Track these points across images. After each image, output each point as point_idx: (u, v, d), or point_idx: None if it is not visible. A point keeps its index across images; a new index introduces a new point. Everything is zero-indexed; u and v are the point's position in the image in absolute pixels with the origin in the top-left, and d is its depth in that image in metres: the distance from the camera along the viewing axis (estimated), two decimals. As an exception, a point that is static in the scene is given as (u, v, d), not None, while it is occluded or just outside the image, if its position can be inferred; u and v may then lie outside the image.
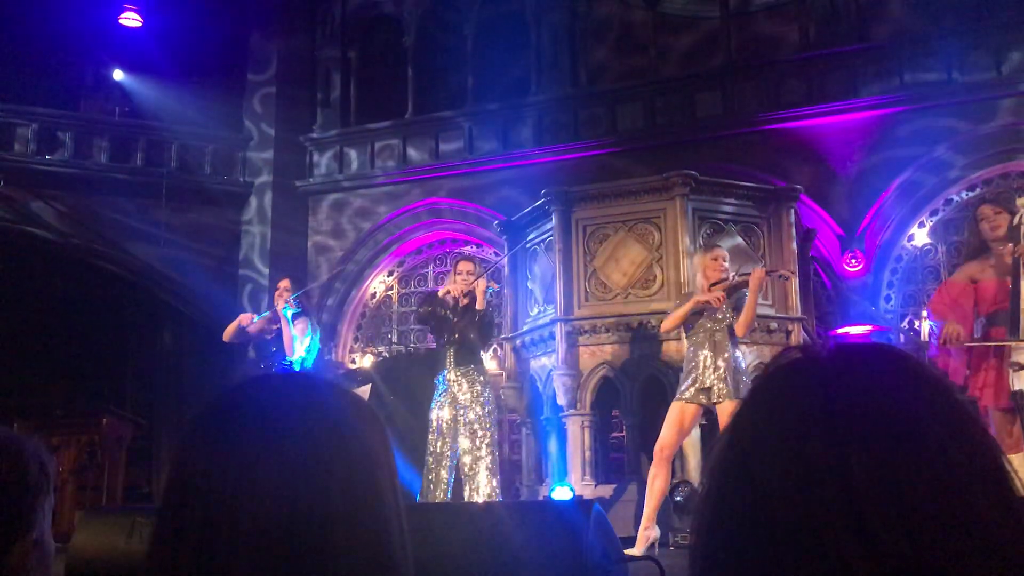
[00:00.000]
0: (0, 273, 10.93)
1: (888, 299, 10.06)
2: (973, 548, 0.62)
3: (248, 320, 6.77)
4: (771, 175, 9.40)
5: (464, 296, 5.94)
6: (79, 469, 7.93)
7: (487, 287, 5.93)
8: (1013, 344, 4.21)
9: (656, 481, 5.42)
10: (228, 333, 6.81)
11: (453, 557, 2.86)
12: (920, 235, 10.07)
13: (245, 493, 0.74)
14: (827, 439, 0.66)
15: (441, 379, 5.97)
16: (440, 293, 6.10)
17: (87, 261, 11.54)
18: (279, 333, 6.63)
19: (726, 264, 5.58)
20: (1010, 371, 4.23)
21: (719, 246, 5.88)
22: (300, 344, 6.48)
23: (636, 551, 5.17)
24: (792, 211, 7.58)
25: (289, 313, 6.52)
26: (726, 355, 5.38)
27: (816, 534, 0.63)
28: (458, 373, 5.90)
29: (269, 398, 0.80)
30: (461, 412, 5.84)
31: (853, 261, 9.84)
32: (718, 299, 5.40)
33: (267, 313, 6.84)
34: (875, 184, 9.85)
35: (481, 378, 5.95)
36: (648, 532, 5.44)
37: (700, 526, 0.71)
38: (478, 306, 5.87)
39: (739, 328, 5.41)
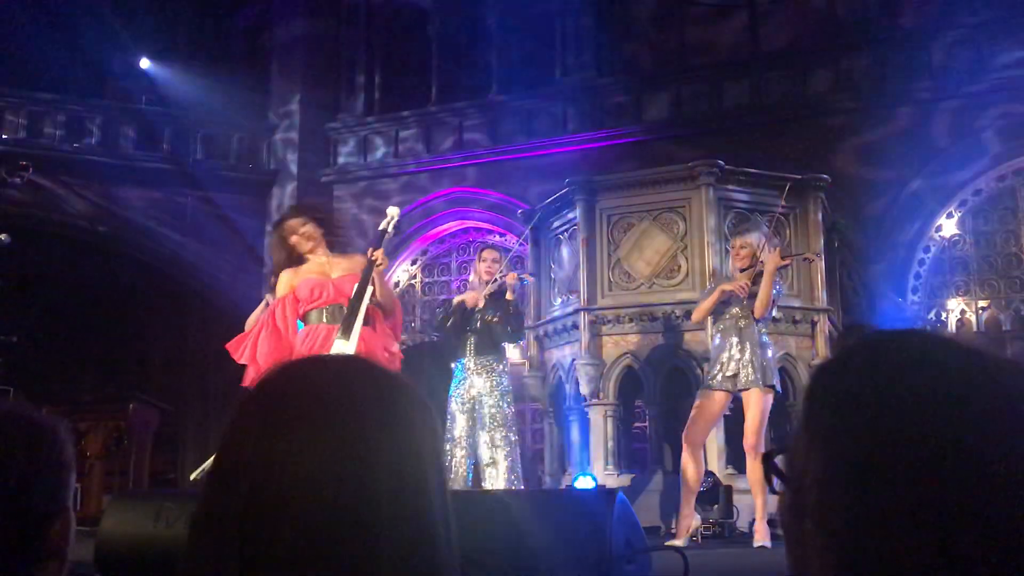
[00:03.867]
0: (29, 260, 11.05)
1: (915, 290, 9.96)
2: None
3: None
4: (798, 165, 9.32)
5: (488, 285, 5.89)
6: (106, 454, 8.02)
7: (518, 279, 5.86)
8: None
9: (688, 470, 5.41)
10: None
11: (477, 544, 2.86)
12: (948, 225, 9.96)
13: (291, 476, 0.74)
14: (952, 422, 0.64)
15: (460, 367, 5.91)
16: (455, 301, 5.99)
17: (114, 249, 11.64)
18: None
19: (747, 250, 5.54)
20: None
21: (744, 232, 5.83)
22: None
23: (678, 541, 5.16)
24: (819, 201, 7.52)
25: None
26: (753, 342, 5.36)
27: (940, 521, 0.62)
28: (477, 362, 5.84)
29: (320, 379, 0.81)
30: (480, 401, 5.80)
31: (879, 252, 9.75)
32: (743, 287, 5.37)
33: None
34: (903, 174, 9.74)
35: (500, 367, 5.88)
36: (687, 521, 5.46)
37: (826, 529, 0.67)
38: (508, 297, 5.81)
39: (755, 310, 5.37)
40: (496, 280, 5.86)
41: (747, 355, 5.32)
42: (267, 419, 0.78)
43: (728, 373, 5.35)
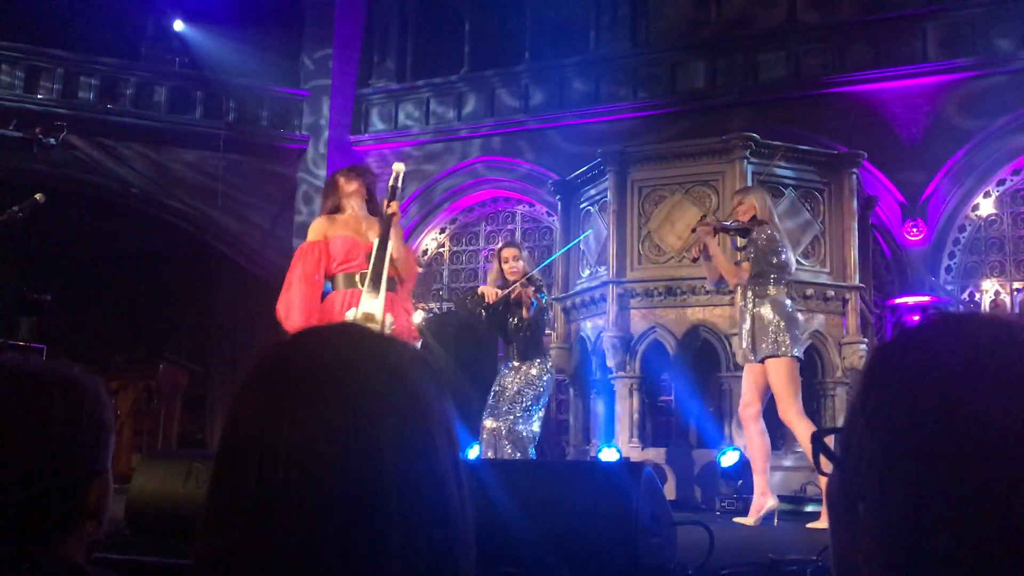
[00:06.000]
0: (63, 220, 11.16)
1: (949, 270, 9.83)
2: None
3: None
4: (834, 140, 9.20)
5: (514, 288, 5.53)
6: (136, 413, 8.14)
7: (533, 299, 5.50)
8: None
9: (751, 445, 5.21)
10: None
11: (500, 515, 2.86)
12: (986, 205, 9.79)
13: (296, 447, 0.73)
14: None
15: (506, 364, 5.79)
16: (480, 291, 5.73)
17: (146, 210, 11.72)
18: None
19: (744, 207, 5.31)
20: None
21: (744, 191, 5.64)
22: None
23: (748, 520, 5.11)
24: (854, 177, 7.42)
25: None
26: (758, 313, 5.12)
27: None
28: (521, 361, 5.61)
29: (321, 349, 0.80)
30: (519, 389, 5.54)
31: (914, 230, 9.62)
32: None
33: None
34: (940, 152, 9.58)
35: (542, 365, 5.63)
36: (761, 500, 5.15)
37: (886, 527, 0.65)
38: (524, 315, 5.54)
39: (727, 278, 5.32)
40: (511, 289, 5.51)
41: (756, 327, 5.10)
42: (268, 394, 0.77)
43: (744, 346, 5.21)
